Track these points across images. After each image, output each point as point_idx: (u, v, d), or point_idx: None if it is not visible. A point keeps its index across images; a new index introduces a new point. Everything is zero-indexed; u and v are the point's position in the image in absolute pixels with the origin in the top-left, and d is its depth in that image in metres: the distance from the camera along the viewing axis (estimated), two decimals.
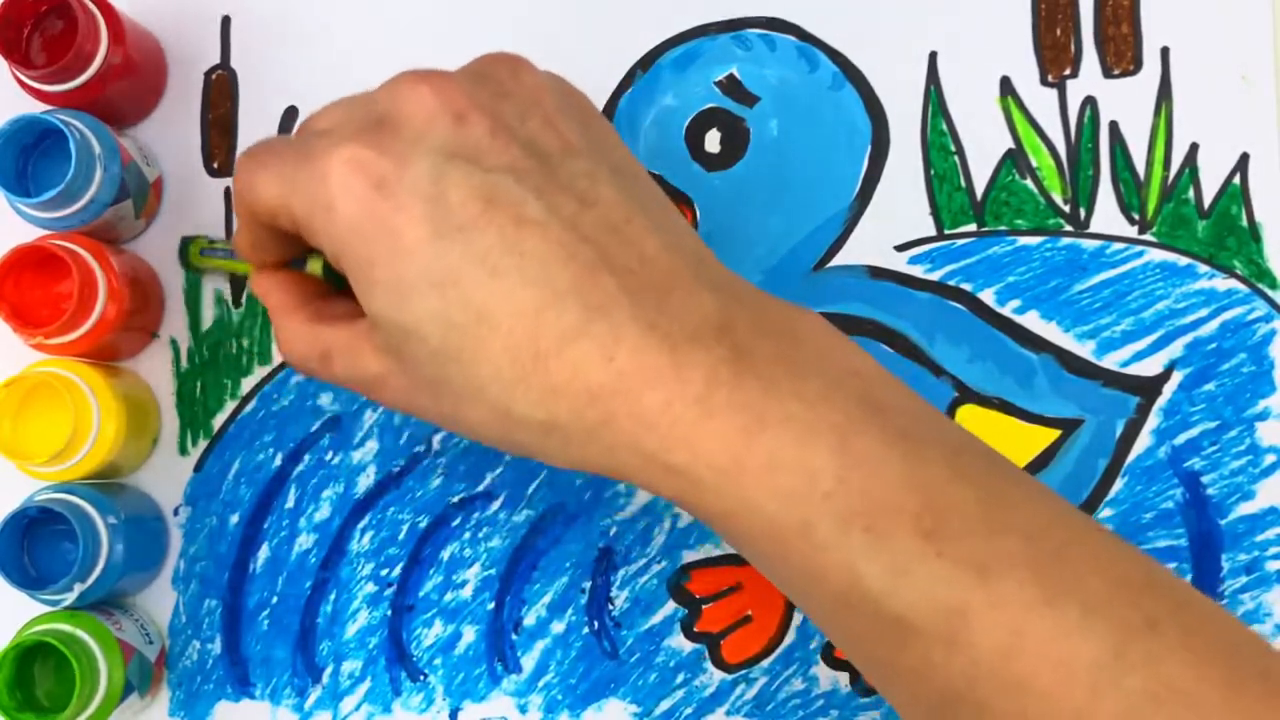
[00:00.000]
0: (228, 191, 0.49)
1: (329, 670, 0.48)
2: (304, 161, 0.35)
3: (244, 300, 0.49)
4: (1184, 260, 0.46)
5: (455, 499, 0.48)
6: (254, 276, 0.41)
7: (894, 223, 0.47)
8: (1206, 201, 0.46)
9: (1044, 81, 0.47)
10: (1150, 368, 0.46)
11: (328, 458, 0.48)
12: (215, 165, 0.49)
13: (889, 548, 0.31)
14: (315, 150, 0.35)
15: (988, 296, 0.47)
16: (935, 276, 0.47)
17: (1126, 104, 0.47)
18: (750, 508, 0.32)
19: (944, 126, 0.47)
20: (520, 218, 0.33)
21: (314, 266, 0.41)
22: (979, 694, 0.31)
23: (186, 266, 0.49)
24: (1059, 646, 0.30)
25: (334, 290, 0.40)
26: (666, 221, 0.36)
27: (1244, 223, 0.46)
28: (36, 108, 0.45)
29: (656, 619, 0.47)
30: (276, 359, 0.48)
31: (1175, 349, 0.46)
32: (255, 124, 0.49)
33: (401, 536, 0.48)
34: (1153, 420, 0.46)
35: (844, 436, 0.32)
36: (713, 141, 0.48)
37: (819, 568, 0.32)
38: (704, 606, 0.47)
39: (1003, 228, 0.47)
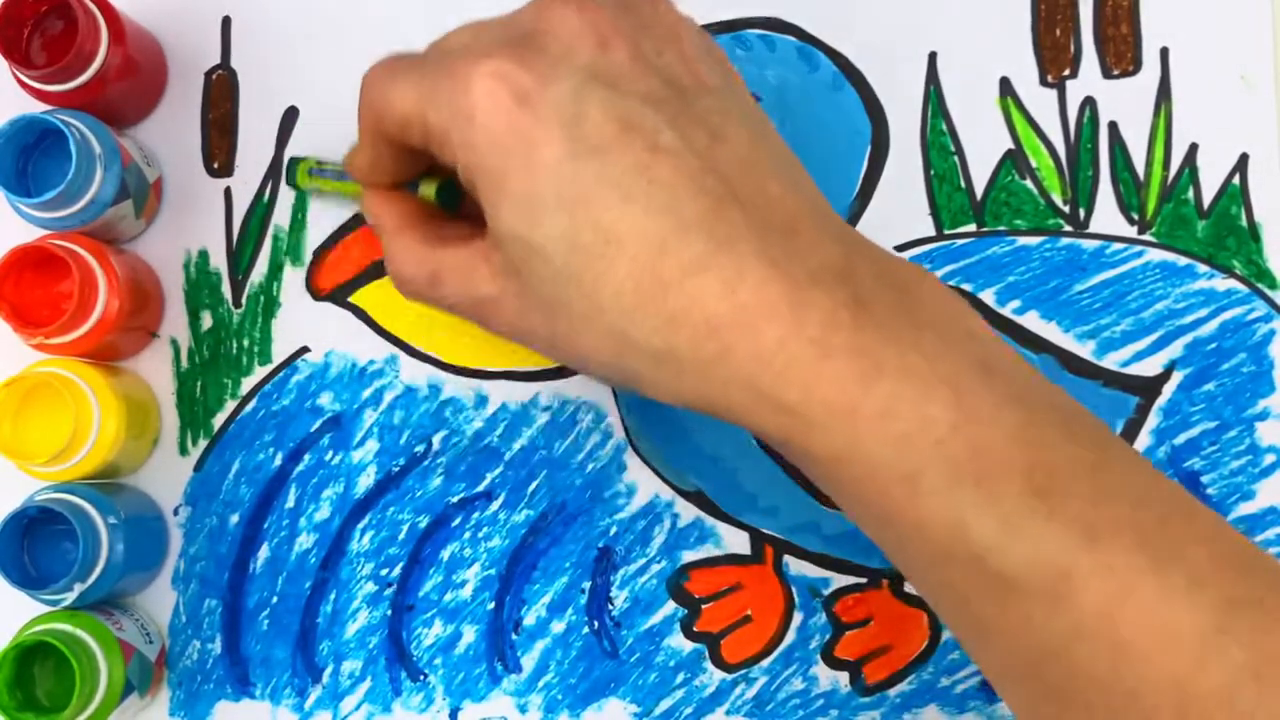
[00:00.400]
0: (228, 191, 0.49)
1: (329, 670, 0.48)
2: (445, 72, 0.35)
3: (244, 300, 0.49)
4: (1184, 260, 0.46)
5: (455, 499, 0.48)
6: (366, 196, 0.41)
7: (894, 223, 0.47)
8: (1206, 201, 0.46)
9: (1044, 82, 0.47)
10: (1150, 368, 0.46)
11: (328, 458, 0.48)
12: (215, 165, 0.49)
13: (999, 503, 0.31)
14: (457, 61, 0.35)
15: (988, 297, 0.47)
16: None
17: (1126, 104, 0.47)
18: (860, 452, 0.32)
19: (944, 127, 0.47)
20: (654, 145, 0.33)
21: (427, 190, 0.40)
22: (1076, 655, 0.31)
23: (293, 186, 0.49)
24: (1163, 614, 0.30)
25: (447, 215, 0.40)
26: (792, 167, 0.36)
27: (1243, 223, 0.46)
28: (36, 108, 0.45)
29: (656, 619, 0.47)
30: (277, 358, 0.48)
31: (1175, 349, 0.46)
32: (255, 124, 0.49)
33: (401, 536, 0.48)
34: (1153, 420, 0.46)
35: (959, 392, 0.32)
36: None
37: (923, 517, 0.32)
38: (704, 606, 0.47)
39: (1002, 228, 0.47)
